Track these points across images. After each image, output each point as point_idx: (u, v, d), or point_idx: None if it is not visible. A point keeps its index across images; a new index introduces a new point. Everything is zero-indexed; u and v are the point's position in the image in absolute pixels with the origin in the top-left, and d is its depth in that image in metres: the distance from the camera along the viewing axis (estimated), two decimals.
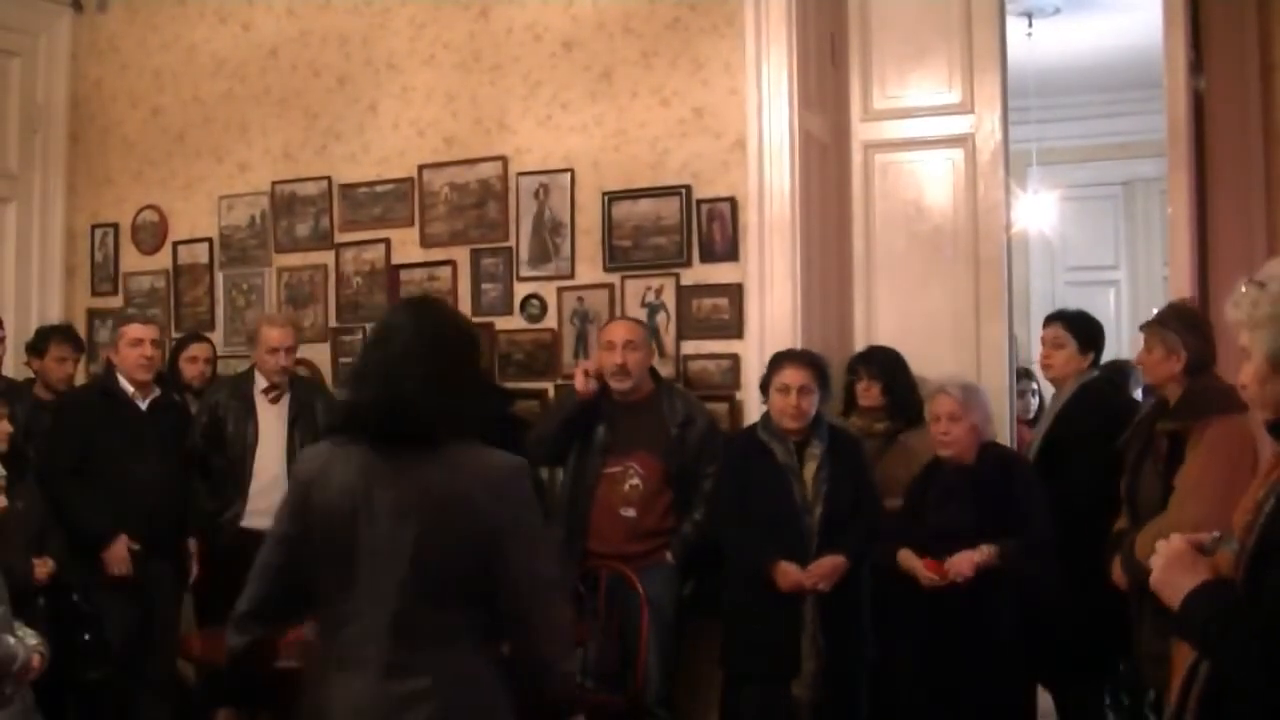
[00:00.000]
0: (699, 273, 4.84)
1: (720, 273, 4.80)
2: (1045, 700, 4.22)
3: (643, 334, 4.50)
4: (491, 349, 5.10)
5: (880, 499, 4.11)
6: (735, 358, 4.76)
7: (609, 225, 4.96)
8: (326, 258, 5.53)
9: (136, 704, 4.49)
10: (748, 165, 4.73)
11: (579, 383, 4.42)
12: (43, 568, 3.98)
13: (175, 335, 5.59)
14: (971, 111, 4.86)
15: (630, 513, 4.32)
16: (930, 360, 4.63)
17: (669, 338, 4.83)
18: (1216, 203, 4.28)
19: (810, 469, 4.02)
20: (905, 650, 3.91)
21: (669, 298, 4.85)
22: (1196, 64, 4.30)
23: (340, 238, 5.50)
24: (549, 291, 5.08)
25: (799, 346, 4.41)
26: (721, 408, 4.71)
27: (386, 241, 5.39)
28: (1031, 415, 5.86)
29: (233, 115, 5.74)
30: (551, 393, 5.00)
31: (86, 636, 3.99)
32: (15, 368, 5.30)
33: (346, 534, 2.15)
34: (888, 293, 4.96)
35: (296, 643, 3.71)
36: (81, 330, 5.65)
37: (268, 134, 5.67)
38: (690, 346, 4.84)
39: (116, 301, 5.97)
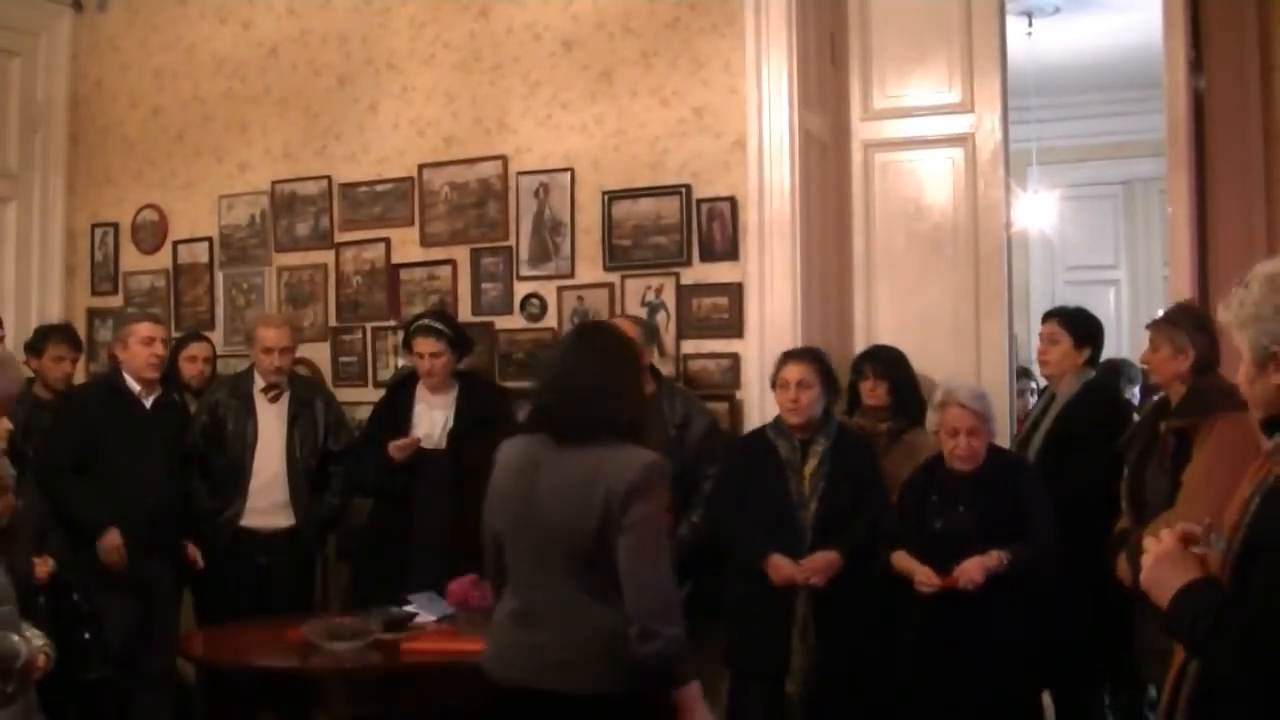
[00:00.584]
0: (699, 272, 4.84)
1: (720, 272, 4.81)
2: (1045, 700, 4.21)
3: (643, 333, 4.49)
4: (491, 349, 5.12)
5: (889, 498, 4.07)
6: (735, 357, 4.76)
7: (609, 225, 4.97)
8: (326, 257, 5.53)
9: (136, 703, 4.49)
10: (748, 165, 4.73)
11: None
12: (43, 567, 3.97)
13: (175, 334, 5.58)
14: (971, 111, 4.86)
15: None
16: (930, 359, 4.63)
17: (669, 337, 4.84)
18: (1216, 203, 4.28)
19: (811, 465, 4.02)
20: (908, 651, 3.86)
21: (669, 297, 4.86)
22: (1196, 64, 4.30)
23: (340, 237, 5.50)
24: (549, 291, 5.08)
25: (799, 345, 4.40)
26: (721, 407, 4.70)
27: (386, 241, 5.40)
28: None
29: (233, 115, 5.74)
30: None
31: (86, 636, 3.98)
32: None
33: (519, 507, 2.70)
34: (888, 292, 4.96)
35: (296, 642, 3.71)
36: (81, 330, 5.65)
37: (268, 133, 5.67)
38: (690, 346, 4.84)
39: (116, 301, 5.97)
